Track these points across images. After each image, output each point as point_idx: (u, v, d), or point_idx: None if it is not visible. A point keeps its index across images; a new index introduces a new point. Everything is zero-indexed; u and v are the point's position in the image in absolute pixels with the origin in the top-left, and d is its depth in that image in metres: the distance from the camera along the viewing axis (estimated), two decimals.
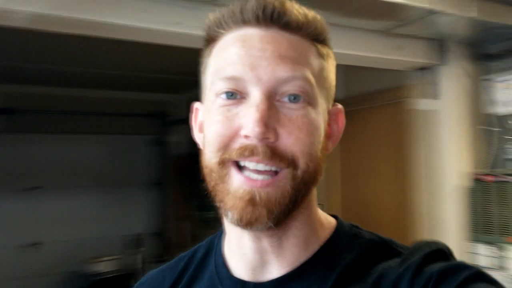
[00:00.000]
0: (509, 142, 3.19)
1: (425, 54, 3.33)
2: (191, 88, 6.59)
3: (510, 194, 3.08)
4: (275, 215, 0.64)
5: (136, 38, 2.62)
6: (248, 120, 0.64)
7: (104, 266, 5.32)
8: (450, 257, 0.66)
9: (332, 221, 0.77)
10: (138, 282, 0.90)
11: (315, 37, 0.71)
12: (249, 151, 0.64)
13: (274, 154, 0.63)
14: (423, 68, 3.46)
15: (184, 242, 6.67)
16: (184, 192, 6.83)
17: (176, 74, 5.63)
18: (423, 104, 3.50)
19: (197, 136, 0.80)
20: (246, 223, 0.65)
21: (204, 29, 0.74)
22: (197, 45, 2.80)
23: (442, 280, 0.60)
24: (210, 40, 0.74)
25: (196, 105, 0.81)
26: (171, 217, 6.78)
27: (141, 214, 6.55)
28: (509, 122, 3.14)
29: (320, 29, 0.71)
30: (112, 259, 5.44)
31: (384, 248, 0.71)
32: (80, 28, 2.34)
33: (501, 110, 3.41)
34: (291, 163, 0.65)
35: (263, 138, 0.63)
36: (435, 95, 3.44)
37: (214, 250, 0.81)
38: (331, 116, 0.75)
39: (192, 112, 0.82)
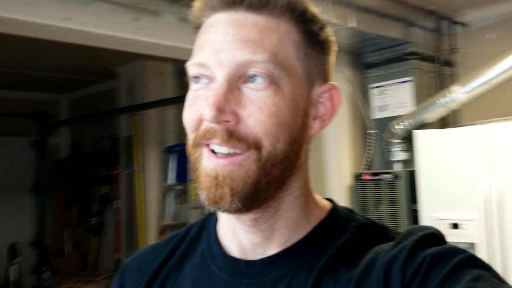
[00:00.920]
0: (395, 145, 3.44)
1: None
2: (75, 88, 6.31)
3: (384, 191, 3.35)
4: (239, 195, 0.65)
5: (21, 32, 2.48)
6: (206, 104, 0.65)
7: None
8: (443, 242, 0.66)
9: (327, 204, 0.78)
10: (128, 258, 0.87)
11: (288, 13, 0.68)
12: (210, 133, 0.65)
13: (231, 136, 0.64)
14: None
15: (64, 251, 6.34)
16: (64, 198, 6.50)
17: (60, 72, 5.35)
18: None
19: None
20: (212, 202, 0.65)
21: (191, 18, 0.74)
22: (85, 41, 2.71)
23: (435, 263, 0.60)
24: (196, 28, 0.73)
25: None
26: (50, 225, 6.41)
27: (17, 222, 6.12)
28: (396, 127, 3.38)
29: (293, 4, 0.68)
30: None
31: (377, 232, 0.72)
32: None
33: (378, 114, 3.70)
34: (253, 144, 0.65)
35: (219, 121, 0.64)
36: None
37: (207, 228, 0.81)
38: (322, 94, 0.73)
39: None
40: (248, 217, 0.70)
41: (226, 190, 0.64)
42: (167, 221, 4.90)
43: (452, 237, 2.91)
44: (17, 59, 4.59)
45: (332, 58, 0.75)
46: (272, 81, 0.66)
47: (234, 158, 0.65)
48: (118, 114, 5.41)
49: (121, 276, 0.85)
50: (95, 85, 6.07)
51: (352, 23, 3.08)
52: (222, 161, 0.65)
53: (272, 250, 0.71)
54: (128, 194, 5.23)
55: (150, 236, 4.97)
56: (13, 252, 5.10)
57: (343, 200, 3.56)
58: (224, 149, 0.65)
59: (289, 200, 0.71)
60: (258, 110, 0.65)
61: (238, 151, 0.65)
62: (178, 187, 4.86)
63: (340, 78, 3.62)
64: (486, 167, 2.82)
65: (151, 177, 5.05)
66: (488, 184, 2.81)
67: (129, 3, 2.58)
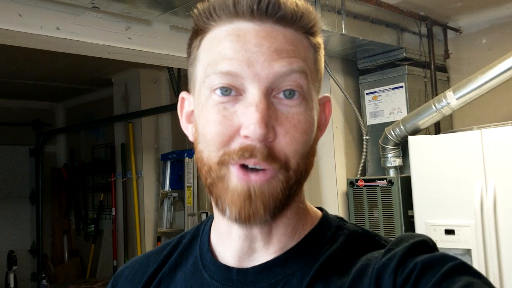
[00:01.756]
0: (389, 151, 3.43)
1: None
2: (71, 96, 6.32)
3: (379, 197, 3.34)
4: (270, 209, 0.65)
5: (12, 42, 2.48)
6: (248, 120, 0.62)
7: None
8: (434, 249, 0.66)
9: (318, 212, 0.78)
10: (122, 267, 0.87)
11: (308, 29, 0.69)
12: (249, 153, 0.63)
13: (270, 155, 0.63)
14: None
15: (62, 258, 6.34)
16: (62, 206, 6.50)
17: (55, 81, 5.36)
18: None
19: (185, 127, 0.77)
20: (244, 219, 0.64)
21: (193, 20, 0.71)
22: (77, 51, 2.72)
23: (426, 270, 0.60)
24: (199, 31, 0.70)
25: (182, 94, 0.78)
26: (48, 232, 6.41)
27: (16, 229, 6.12)
28: (390, 133, 3.37)
29: (313, 21, 0.69)
30: None
31: (368, 240, 0.72)
32: None
33: (372, 120, 3.70)
34: (284, 165, 0.65)
35: (265, 139, 0.62)
36: None
37: (200, 237, 0.81)
38: (320, 106, 0.74)
39: (178, 102, 0.79)
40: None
41: (260, 206, 0.64)
42: (164, 228, 4.90)
43: (447, 243, 2.91)
44: (12, 68, 4.60)
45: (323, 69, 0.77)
46: (304, 96, 0.66)
47: (265, 174, 0.64)
48: (113, 122, 5.42)
49: (115, 284, 0.85)
50: (91, 94, 6.08)
51: (341, 30, 3.09)
52: (254, 177, 0.64)
53: (266, 257, 0.71)
54: (124, 202, 5.23)
55: (147, 243, 4.97)
56: (11, 259, 5.09)
57: (338, 206, 3.55)
58: (258, 167, 0.64)
59: (292, 208, 0.72)
60: (293, 128, 0.65)
61: (270, 168, 0.64)
62: (173, 194, 4.86)
63: (334, 85, 3.63)
64: (481, 173, 2.82)
65: (147, 185, 5.05)
66: (483, 190, 2.81)
67: (120, 13, 2.59)
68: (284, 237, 0.72)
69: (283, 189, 0.65)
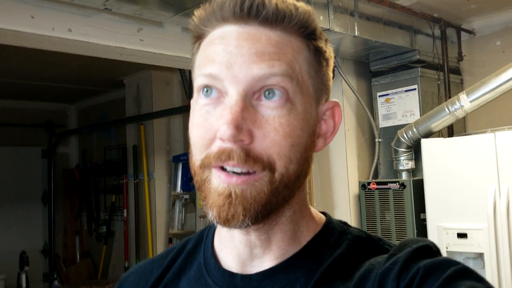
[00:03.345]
0: (402, 154, 3.41)
1: None
2: (83, 98, 6.36)
3: (391, 200, 3.32)
4: (251, 214, 0.64)
5: (25, 44, 2.50)
6: (222, 122, 0.62)
7: None
8: (437, 254, 0.66)
9: (322, 217, 0.78)
10: (126, 272, 0.87)
11: (300, 30, 0.68)
12: (226, 155, 0.62)
13: (248, 156, 0.62)
14: None
15: (73, 259, 6.38)
16: (74, 207, 6.54)
17: (68, 83, 5.40)
18: None
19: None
20: (224, 221, 0.64)
21: (192, 27, 0.72)
22: (89, 52, 2.73)
23: (429, 275, 0.60)
24: (198, 37, 0.71)
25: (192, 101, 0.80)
26: (60, 233, 6.46)
27: (29, 230, 6.17)
28: (403, 135, 3.35)
29: (304, 22, 0.67)
30: None
31: (372, 245, 0.72)
32: None
33: (384, 123, 3.68)
34: (267, 166, 0.64)
35: (236, 140, 0.62)
36: None
37: (204, 242, 0.80)
38: (325, 111, 0.73)
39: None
40: (252, 228, 0.69)
41: (239, 209, 0.63)
42: (175, 229, 4.91)
43: (460, 246, 2.87)
44: (25, 70, 4.64)
45: (331, 74, 0.75)
46: (288, 98, 0.65)
47: (248, 177, 0.63)
48: (125, 123, 5.44)
49: None
50: (103, 95, 6.12)
51: (354, 32, 3.07)
52: (235, 179, 0.63)
53: (269, 263, 0.71)
54: (136, 203, 5.25)
55: (159, 245, 4.98)
56: (22, 260, 5.13)
57: (350, 209, 3.53)
58: (238, 169, 0.63)
59: (288, 214, 0.71)
60: (273, 131, 0.64)
61: (251, 170, 0.63)
62: (185, 196, 4.87)
63: (346, 87, 3.61)
64: (494, 176, 2.79)
65: (159, 186, 5.07)
66: (496, 193, 2.77)
67: (132, 14, 2.59)
68: (284, 244, 0.71)
69: (267, 192, 0.64)
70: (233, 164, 0.63)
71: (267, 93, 0.64)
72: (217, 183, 0.64)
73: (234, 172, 0.63)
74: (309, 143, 0.69)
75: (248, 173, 0.63)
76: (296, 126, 0.65)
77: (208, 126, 0.65)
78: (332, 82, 0.75)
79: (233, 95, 0.63)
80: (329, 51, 0.73)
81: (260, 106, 0.64)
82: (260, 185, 0.64)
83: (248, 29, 0.65)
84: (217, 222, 0.65)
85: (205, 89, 0.66)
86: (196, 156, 0.67)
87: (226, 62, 0.64)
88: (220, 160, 0.63)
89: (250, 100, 0.64)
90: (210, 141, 0.65)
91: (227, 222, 0.64)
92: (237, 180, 0.63)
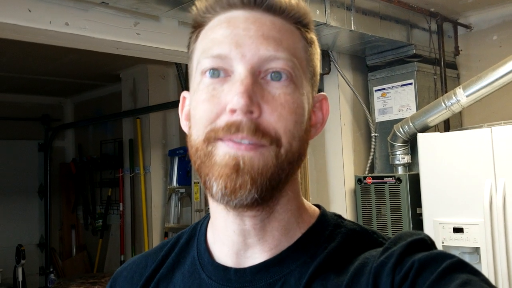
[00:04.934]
0: (398, 148, 3.42)
1: None
2: (80, 92, 6.34)
3: (387, 194, 3.33)
4: (257, 186, 0.64)
5: (21, 37, 2.49)
6: (233, 94, 0.64)
7: None
8: (432, 247, 0.66)
9: (316, 210, 0.78)
10: (120, 267, 0.88)
11: (298, 21, 0.72)
12: (235, 128, 0.63)
13: (257, 129, 0.64)
14: None
15: (69, 253, 6.38)
16: (70, 200, 6.54)
17: (64, 77, 5.38)
18: None
19: (183, 124, 0.78)
20: (230, 191, 0.63)
21: (191, 17, 0.74)
22: (86, 46, 2.72)
23: (424, 268, 0.60)
24: (197, 26, 0.73)
25: (183, 93, 0.80)
26: (56, 226, 6.45)
27: (25, 224, 6.16)
28: (399, 130, 3.35)
29: (302, 13, 0.72)
30: None
31: (366, 238, 0.72)
32: None
33: (381, 117, 3.68)
34: (274, 140, 0.65)
35: (248, 110, 0.63)
36: None
37: (197, 236, 0.81)
38: (315, 103, 0.75)
39: (180, 101, 0.80)
40: (248, 213, 0.69)
41: (247, 178, 0.63)
42: (171, 223, 4.92)
43: (456, 241, 2.89)
44: (21, 64, 4.62)
45: (319, 68, 0.78)
46: (292, 80, 0.68)
47: (257, 146, 0.64)
48: (121, 117, 5.43)
49: (113, 285, 0.85)
50: (99, 89, 6.10)
51: (350, 26, 3.07)
52: (244, 147, 0.64)
53: (262, 254, 0.71)
54: (132, 197, 5.25)
55: (155, 238, 4.99)
56: (19, 253, 5.13)
57: (346, 203, 3.54)
58: (246, 141, 0.64)
59: (283, 202, 0.71)
60: (280, 106, 0.66)
61: (259, 143, 0.64)
62: (181, 190, 4.87)
63: (342, 81, 3.61)
64: (491, 171, 2.80)
65: (155, 180, 5.07)
66: (492, 188, 2.78)
67: (129, 8, 2.58)
68: (278, 233, 0.71)
69: (273, 165, 0.65)
70: (242, 137, 0.63)
71: (273, 75, 0.67)
72: (224, 152, 0.64)
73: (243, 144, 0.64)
74: (308, 125, 0.71)
75: (255, 144, 0.64)
76: (300, 105, 0.68)
77: (216, 101, 0.66)
78: (318, 73, 0.77)
79: (242, 72, 0.65)
80: (317, 43, 0.76)
81: (266, 84, 0.67)
82: (267, 156, 0.65)
83: (254, 14, 0.69)
84: (222, 195, 0.64)
85: (211, 71, 0.68)
86: (199, 131, 0.67)
87: (235, 42, 0.67)
88: (229, 133, 0.64)
89: (256, 79, 0.66)
90: (217, 115, 0.65)
91: (234, 193, 0.64)
92: (246, 147, 0.64)
